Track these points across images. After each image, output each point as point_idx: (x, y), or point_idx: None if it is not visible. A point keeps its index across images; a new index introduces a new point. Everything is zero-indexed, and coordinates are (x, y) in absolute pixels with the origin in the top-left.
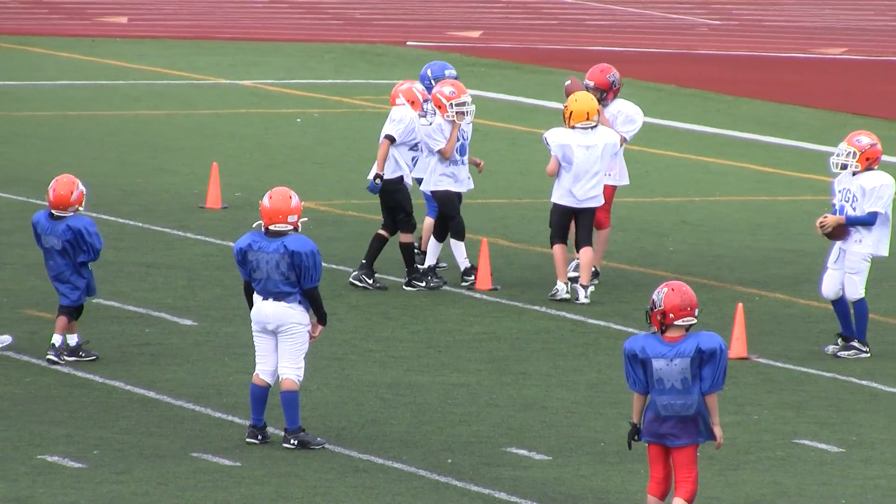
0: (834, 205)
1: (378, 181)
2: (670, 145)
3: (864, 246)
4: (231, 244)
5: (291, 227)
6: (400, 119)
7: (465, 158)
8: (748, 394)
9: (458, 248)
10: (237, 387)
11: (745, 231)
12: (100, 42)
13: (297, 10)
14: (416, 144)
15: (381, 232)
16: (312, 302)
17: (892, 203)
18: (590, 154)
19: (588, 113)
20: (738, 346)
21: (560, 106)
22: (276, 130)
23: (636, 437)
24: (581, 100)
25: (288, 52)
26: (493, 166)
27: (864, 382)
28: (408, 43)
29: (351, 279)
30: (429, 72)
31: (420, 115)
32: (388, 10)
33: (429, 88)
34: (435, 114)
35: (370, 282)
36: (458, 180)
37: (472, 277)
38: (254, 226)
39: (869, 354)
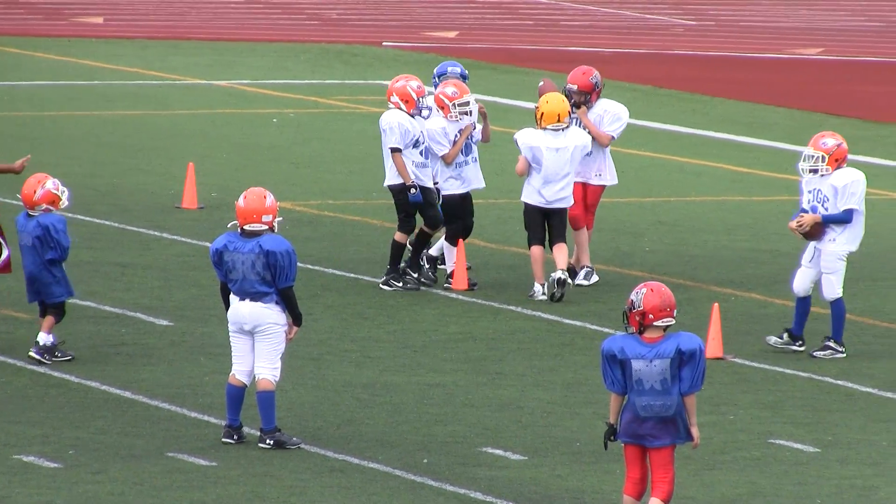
0: (803, 206)
1: (414, 191)
2: (646, 145)
3: (839, 244)
4: (207, 244)
5: (266, 227)
6: (391, 128)
7: (472, 157)
8: (724, 394)
9: (450, 252)
10: (213, 387)
11: (721, 231)
12: (75, 42)
13: (272, 10)
14: (416, 141)
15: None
16: (287, 302)
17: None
18: (559, 156)
19: (559, 115)
20: (713, 346)
21: (535, 106)
22: (252, 131)
23: (612, 438)
24: (552, 101)
25: (264, 52)
26: None
27: (839, 382)
28: (384, 43)
29: (381, 284)
30: (434, 70)
31: (414, 114)
32: (364, 11)
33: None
34: (430, 109)
35: (415, 276)
36: (465, 180)
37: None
38: (229, 226)
39: (845, 354)
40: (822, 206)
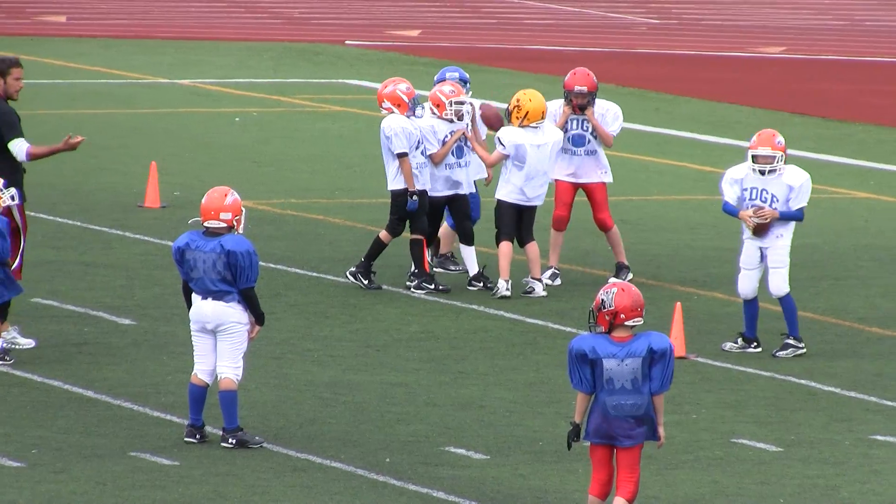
0: (746, 203)
1: (414, 198)
2: None
3: (787, 240)
4: (170, 243)
5: (224, 225)
6: (395, 133)
7: (464, 160)
8: (686, 393)
9: (468, 253)
10: (175, 386)
11: (684, 230)
12: (38, 41)
13: (235, 9)
14: (418, 143)
15: (416, 236)
16: (249, 302)
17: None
18: (541, 153)
19: (543, 112)
20: (676, 346)
21: (500, 106)
22: (215, 129)
23: (576, 438)
24: (535, 99)
25: (227, 51)
26: None
27: (802, 381)
28: (347, 42)
29: (413, 288)
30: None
31: (407, 117)
32: (327, 9)
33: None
34: (423, 107)
35: (431, 287)
36: (452, 183)
37: (431, 285)
38: (190, 222)
39: (805, 350)
40: (770, 205)
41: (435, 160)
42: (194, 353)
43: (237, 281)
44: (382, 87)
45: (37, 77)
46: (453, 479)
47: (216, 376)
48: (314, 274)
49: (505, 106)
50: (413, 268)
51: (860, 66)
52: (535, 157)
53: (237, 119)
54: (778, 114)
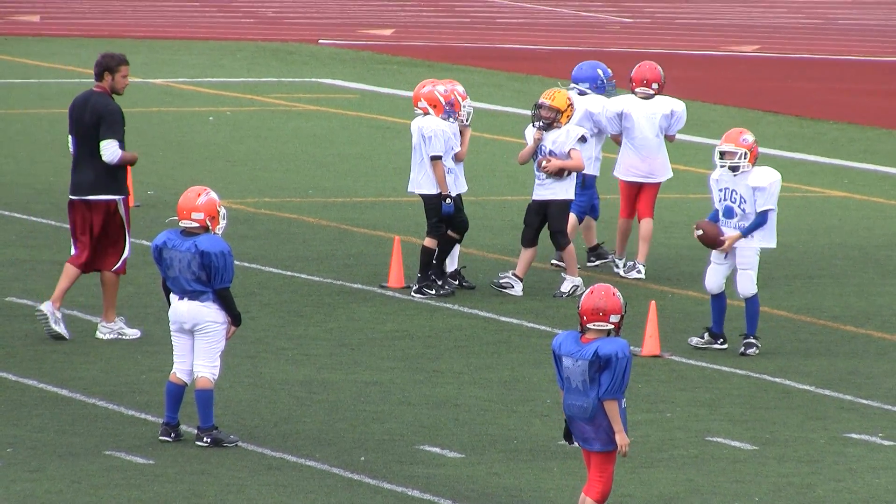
0: (716, 207)
1: (448, 201)
2: None
3: (756, 240)
4: (144, 242)
5: (197, 225)
6: (435, 135)
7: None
8: (661, 391)
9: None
10: (150, 384)
11: (658, 229)
12: (12, 40)
13: (208, 8)
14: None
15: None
16: (224, 302)
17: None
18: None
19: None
20: (650, 344)
21: (472, 104)
22: (188, 129)
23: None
24: (567, 96)
25: (200, 50)
26: (405, 164)
27: (776, 380)
28: (320, 41)
29: (413, 293)
30: (599, 71)
31: (443, 118)
32: (300, 9)
33: (601, 88)
34: (470, 112)
35: (444, 286)
36: (457, 181)
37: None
38: (167, 221)
39: (758, 350)
40: (739, 206)
41: (459, 158)
42: (174, 353)
43: (212, 281)
44: (420, 87)
45: (9, 77)
46: (428, 478)
47: (194, 375)
48: (288, 273)
49: (463, 108)
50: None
51: (834, 64)
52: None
53: (211, 118)
54: (751, 112)
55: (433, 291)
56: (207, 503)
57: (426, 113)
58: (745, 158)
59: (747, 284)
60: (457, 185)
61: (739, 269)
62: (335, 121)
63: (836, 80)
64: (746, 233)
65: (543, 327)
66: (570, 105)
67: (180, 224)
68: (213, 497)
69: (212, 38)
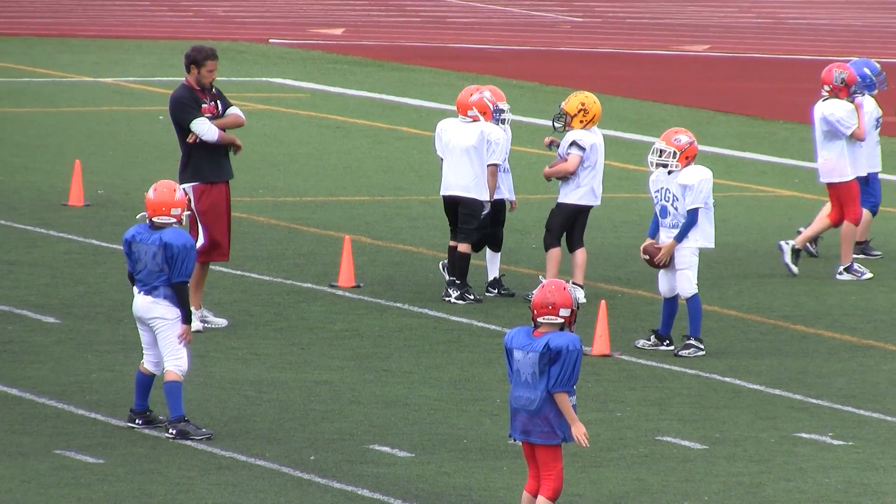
0: (655, 206)
1: (488, 208)
2: (532, 142)
3: (691, 241)
4: (94, 242)
5: (174, 220)
6: (497, 143)
7: (502, 168)
8: (611, 391)
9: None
10: (100, 384)
11: (608, 228)
12: None
13: (159, 7)
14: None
15: (454, 243)
16: (178, 296)
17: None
18: (602, 152)
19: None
20: (600, 344)
21: (423, 104)
22: (138, 128)
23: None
24: (597, 102)
25: (150, 49)
26: (355, 163)
27: (726, 379)
28: (270, 40)
29: (454, 299)
30: (866, 69)
31: (494, 123)
32: (251, 8)
33: (870, 86)
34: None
35: (471, 297)
36: (498, 189)
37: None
38: (138, 217)
39: (704, 352)
40: (672, 205)
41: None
42: (142, 343)
43: (170, 274)
44: (467, 94)
45: None
46: (378, 477)
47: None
48: (238, 272)
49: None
50: (451, 278)
51: (784, 64)
52: (601, 157)
53: (161, 117)
54: (702, 112)
55: (472, 297)
56: (157, 502)
57: (475, 120)
58: (673, 158)
59: (685, 284)
60: (510, 192)
61: (677, 269)
62: (285, 120)
63: (786, 79)
64: (679, 238)
65: (493, 326)
66: (582, 110)
67: (155, 219)
68: (163, 496)
69: (162, 38)
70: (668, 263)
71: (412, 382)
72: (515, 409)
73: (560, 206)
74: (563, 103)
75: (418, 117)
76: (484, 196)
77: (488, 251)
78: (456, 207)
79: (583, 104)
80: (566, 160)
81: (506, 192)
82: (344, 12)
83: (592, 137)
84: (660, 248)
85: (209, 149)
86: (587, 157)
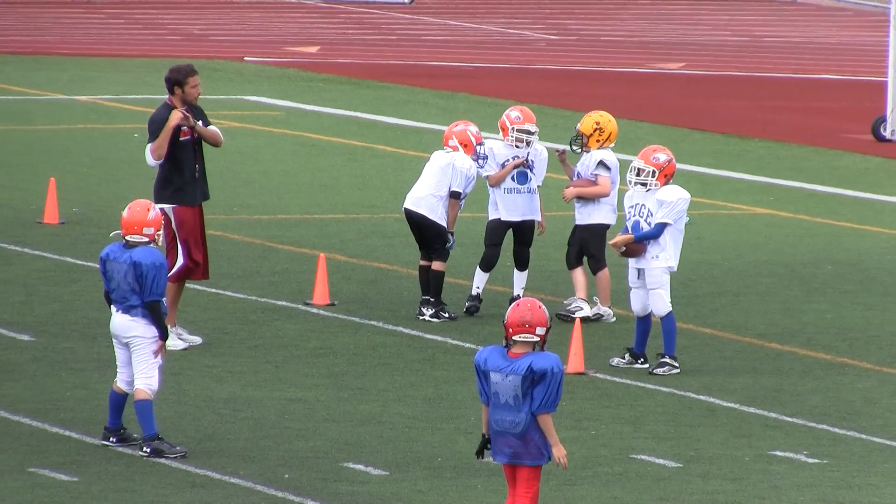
0: (628, 221)
1: (451, 241)
2: None
3: (662, 260)
4: (69, 259)
5: (147, 239)
6: (463, 171)
7: (526, 187)
8: (585, 409)
9: (481, 277)
10: (75, 402)
11: None
12: None
13: (134, 25)
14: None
15: (424, 263)
16: (153, 315)
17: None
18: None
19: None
20: (575, 362)
21: (398, 122)
22: (113, 146)
23: (488, 447)
24: (613, 120)
25: (125, 67)
26: (330, 181)
27: (701, 397)
28: (245, 58)
29: (428, 317)
30: None
31: (472, 159)
32: (226, 26)
33: None
34: (486, 158)
35: (446, 315)
36: (510, 209)
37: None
38: (111, 235)
39: (679, 370)
40: (645, 220)
41: (491, 182)
42: (116, 362)
43: (142, 293)
44: (452, 125)
45: None
46: (352, 495)
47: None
48: (213, 290)
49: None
50: (427, 296)
51: (759, 81)
52: (616, 177)
53: (136, 135)
54: (677, 130)
55: (447, 315)
56: None
57: (455, 150)
58: (652, 177)
59: (659, 304)
60: (538, 213)
61: (650, 289)
62: (260, 138)
63: (761, 97)
64: (639, 238)
65: (468, 344)
66: (598, 129)
67: (127, 238)
68: None
69: (137, 56)
70: (637, 254)
71: (386, 400)
72: (498, 431)
73: (591, 227)
74: (579, 124)
75: (393, 135)
76: (433, 216)
77: (515, 271)
78: (418, 227)
79: (598, 123)
80: (596, 182)
81: (535, 213)
82: (319, 30)
83: (614, 156)
84: (628, 236)
85: (188, 171)
86: (614, 177)
